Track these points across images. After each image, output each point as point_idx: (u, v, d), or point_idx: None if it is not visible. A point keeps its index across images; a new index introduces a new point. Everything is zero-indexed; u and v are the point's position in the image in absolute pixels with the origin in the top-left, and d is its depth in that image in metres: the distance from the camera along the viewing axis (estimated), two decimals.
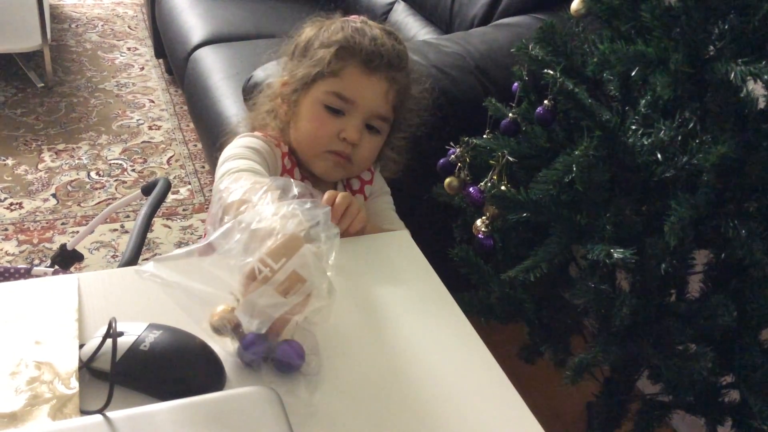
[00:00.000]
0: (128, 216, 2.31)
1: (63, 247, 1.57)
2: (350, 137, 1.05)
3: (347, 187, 1.18)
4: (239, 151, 1.04)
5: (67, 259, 1.56)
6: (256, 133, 1.11)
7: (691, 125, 1.07)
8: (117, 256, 2.14)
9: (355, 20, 1.14)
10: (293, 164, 1.11)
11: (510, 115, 1.28)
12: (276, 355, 0.73)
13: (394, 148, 1.20)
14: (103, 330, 0.71)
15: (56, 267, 1.53)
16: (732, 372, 1.13)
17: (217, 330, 0.73)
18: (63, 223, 2.26)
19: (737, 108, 1.02)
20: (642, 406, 1.29)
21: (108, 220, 2.29)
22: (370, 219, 1.11)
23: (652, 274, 1.07)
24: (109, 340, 0.69)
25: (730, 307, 1.04)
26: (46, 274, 1.29)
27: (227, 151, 1.06)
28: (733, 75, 0.96)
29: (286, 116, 1.11)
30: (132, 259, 1.19)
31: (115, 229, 2.25)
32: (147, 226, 1.26)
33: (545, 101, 1.20)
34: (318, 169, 1.10)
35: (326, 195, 0.96)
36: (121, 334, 0.71)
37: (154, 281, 0.72)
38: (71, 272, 1.49)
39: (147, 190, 1.39)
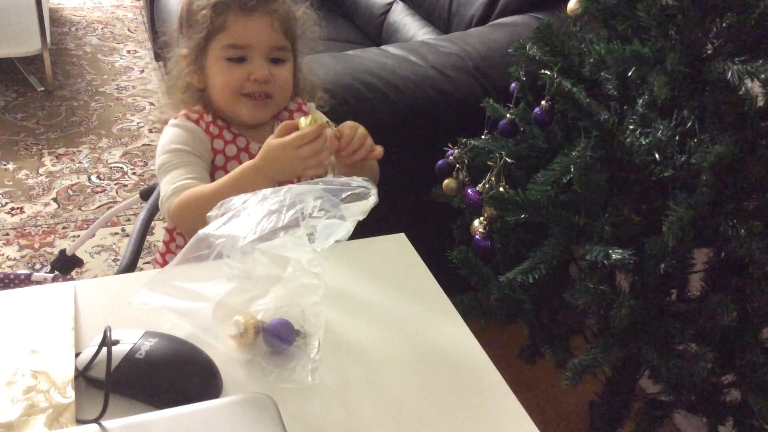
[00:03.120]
0: (129, 220, 2.31)
1: (63, 252, 1.58)
2: (259, 76, 1.11)
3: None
4: (170, 159, 1.10)
5: (66, 265, 1.57)
6: (179, 118, 1.16)
7: (689, 124, 1.07)
8: (118, 259, 2.14)
9: None
10: (222, 127, 1.16)
11: (508, 115, 1.28)
12: (267, 327, 0.75)
13: (306, 72, 1.24)
14: (99, 338, 0.71)
15: (56, 273, 1.53)
16: (733, 371, 1.13)
17: (239, 334, 0.75)
18: (64, 228, 2.26)
19: (735, 107, 1.02)
20: (644, 405, 1.28)
21: (108, 224, 2.29)
22: None
23: (652, 274, 1.06)
24: (104, 349, 0.69)
25: (731, 307, 1.04)
26: (45, 279, 1.29)
27: (159, 155, 1.12)
28: (730, 74, 0.96)
29: (200, 83, 1.16)
30: (131, 264, 1.19)
31: (116, 233, 2.25)
32: (146, 230, 1.26)
33: (543, 102, 1.20)
34: (245, 117, 1.15)
35: (344, 125, 1.04)
36: (116, 342, 0.70)
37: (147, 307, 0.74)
38: (71, 277, 1.49)
39: (146, 194, 1.39)
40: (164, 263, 1.27)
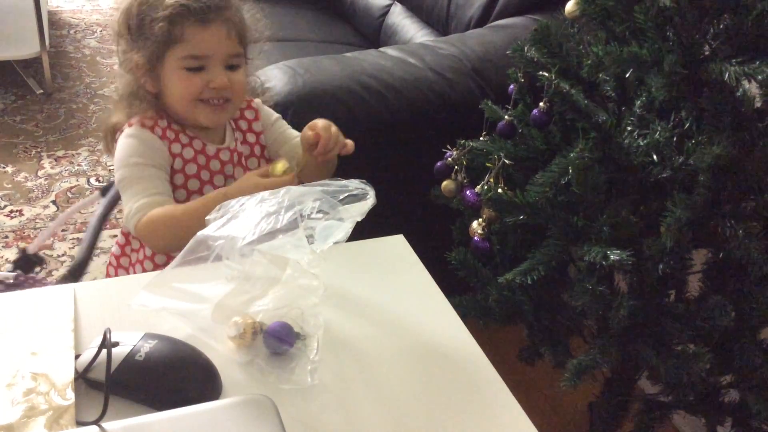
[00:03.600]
0: None
1: (24, 251, 1.57)
2: (218, 84, 1.13)
3: (236, 129, 1.23)
4: (129, 174, 1.12)
5: (28, 263, 1.56)
6: (134, 127, 1.16)
7: (687, 126, 1.07)
8: None
9: None
10: (177, 131, 1.17)
11: (506, 117, 1.28)
12: (266, 329, 0.76)
13: (253, 80, 1.27)
14: (99, 340, 0.71)
15: (18, 272, 1.52)
16: (731, 372, 1.13)
17: (239, 335, 0.76)
18: (63, 230, 2.26)
19: (732, 108, 1.02)
20: (643, 406, 1.29)
21: (107, 226, 2.29)
22: (273, 147, 1.25)
23: (650, 275, 1.07)
24: (104, 351, 0.69)
25: (729, 307, 1.04)
26: (7, 279, 1.30)
27: (118, 169, 1.13)
28: (727, 75, 0.96)
29: (155, 88, 1.16)
30: (84, 261, 1.20)
31: (115, 236, 2.25)
32: (101, 226, 1.26)
33: (541, 103, 1.20)
34: (203, 121, 1.17)
35: (317, 126, 1.09)
36: (116, 344, 0.71)
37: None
38: (33, 275, 1.49)
39: (104, 191, 1.40)
40: (118, 266, 1.27)
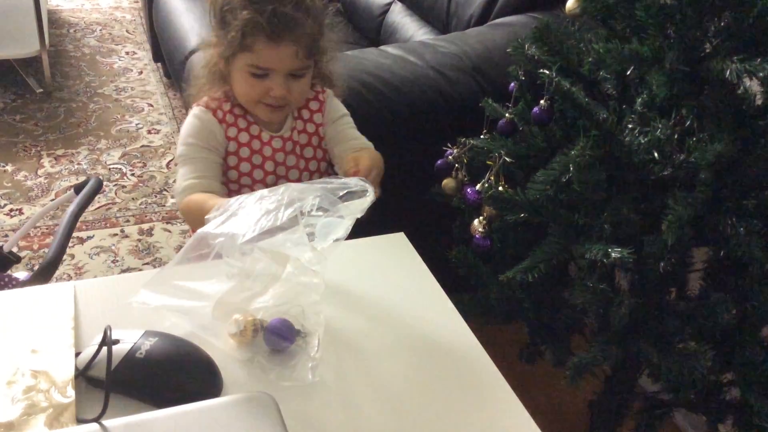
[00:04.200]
0: (128, 220, 2.31)
1: None
2: (278, 95, 1.18)
3: (298, 118, 1.26)
4: (186, 153, 1.20)
5: (3, 262, 1.55)
6: (199, 107, 1.24)
7: (688, 123, 1.07)
8: (117, 261, 2.14)
9: None
10: (238, 116, 1.24)
11: (507, 115, 1.28)
12: (267, 326, 0.76)
13: (328, 63, 1.29)
14: (99, 338, 0.71)
15: None
16: (732, 370, 1.13)
17: (239, 332, 0.76)
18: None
19: (734, 105, 1.02)
20: (644, 404, 1.28)
21: (107, 225, 2.29)
22: (330, 144, 1.27)
23: (651, 272, 1.06)
24: (104, 348, 0.69)
25: (730, 305, 1.04)
26: None
27: (180, 145, 1.22)
28: (728, 72, 0.96)
29: (227, 69, 1.22)
30: (56, 257, 1.19)
31: (115, 234, 2.25)
32: (74, 224, 1.26)
33: (542, 101, 1.20)
34: (261, 116, 1.23)
35: (360, 164, 1.10)
36: (116, 341, 0.70)
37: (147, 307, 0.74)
38: (9, 274, 1.49)
39: (78, 189, 1.40)
40: None
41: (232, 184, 1.24)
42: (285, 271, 0.79)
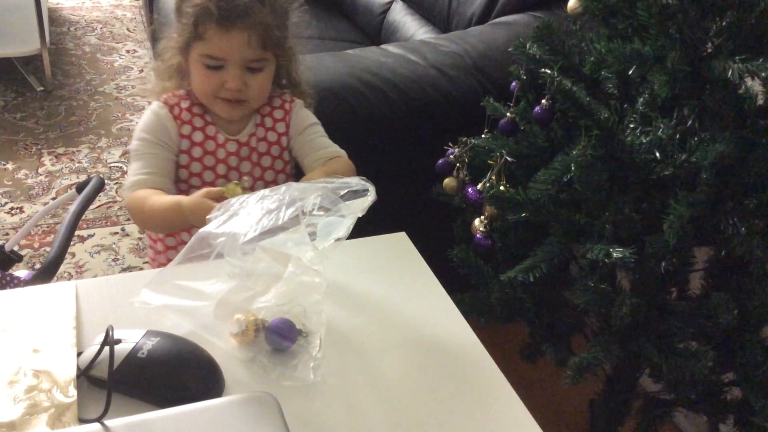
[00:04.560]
0: (129, 219, 2.31)
1: (1, 248, 1.56)
2: (232, 87, 1.15)
3: (260, 125, 1.23)
4: (138, 148, 1.18)
5: (5, 261, 1.55)
6: (158, 102, 1.22)
7: (690, 123, 1.07)
8: (117, 259, 2.14)
9: None
10: (195, 114, 1.21)
11: (508, 114, 1.28)
12: (269, 326, 0.75)
13: (294, 68, 1.26)
14: (101, 337, 0.71)
15: None
16: (733, 369, 1.13)
17: (241, 332, 0.76)
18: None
19: (735, 105, 1.02)
20: (644, 403, 1.28)
21: (108, 223, 2.29)
22: (302, 154, 1.22)
23: (652, 272, 1.06)
24: (106, 348, 0.69)
25: (731, 305, 1.04)
26: None
27: (133, 140, 1.20)
28: (730, 72, 0.96)
29: (186, 63, 1.20)
30: (58, 257, 1.19)
31: (116, 233, 2.25)
32: (75, 223, 1.26)
33: (543, 100, 1.20)
34: (219, 113, 1.20)
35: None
36: (118, 341, 0.70)
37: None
38: (10, 273, 1.49)
39: (80, 189, 1.40)
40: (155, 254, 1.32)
41: (182, 183, 1.22)
42: (286, 271, 0.79)
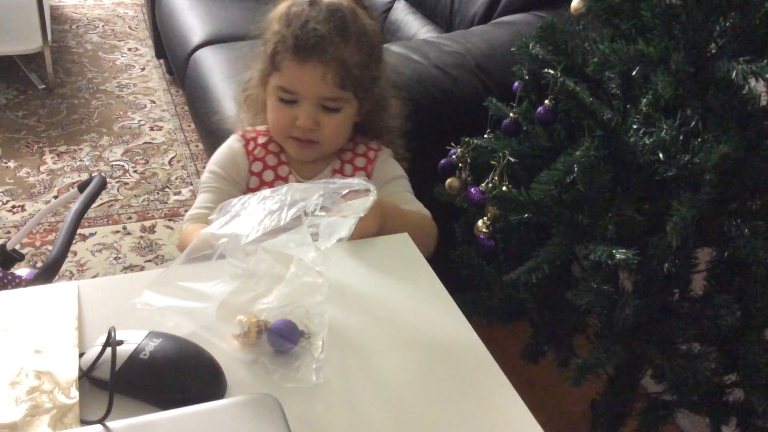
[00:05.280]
0: (130, 217, 2.31)
1: (3, 247, 1.56)
2: (302, 124, 1.10)
3: (339, 171, 1.17)
4: (207, 180, 1.16)
5: (7, 260, 1.55)
6: (236, 135, 1.19)
7: (693, 124, 1.06)
8: (119, 257, 2.14)
9: (299, 2, 1.12)
10: (270, 152, 1.16)
11: (511, 114, 1.28)
12: (271, 327, 0.75)
13: (376, 122, 1.19)
14: (103, 338, 0.71)
15: None
16: (736, 371, 1.13)
17: (243, 333, 0.75)
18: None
19: (739, 106, 1.01)
20: (646, 405, 1.28)
21: (109, 222, 2.29)
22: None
23: (655, 273, 1.06)
24: (108, 349, 0.69)
25: (734, 307, 1.04)
26: None
27: (206, 171, 1.18)
28: (734, 73, 0.96)
29: (264, 95, 1.16)
30: (59, 256, 1.19)
31: (117, 231, 2.25)
32: (77, 222, 1.26)
33: (546, 101, 1.19)
34: (291, 153, 1.15)
35: None
36: (120, 342, 0.70)
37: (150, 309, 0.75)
38: (12, 272, 1.48)
39: (82, 187, 1.39)
40: None
41: None
42: (289, 272, 0.79)
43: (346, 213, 0.82)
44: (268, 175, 1.16)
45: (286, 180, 1.16)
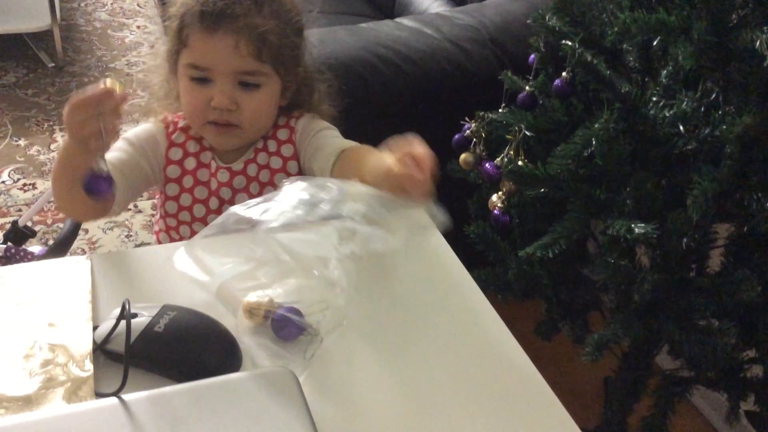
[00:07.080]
0: (142, 195, 2.30)
1: (15, 223, 1.56)
2: (218, 104, 0.97)
3: (262, 150, 1.06)
4: (116, 144, 1.03)
5: (19, 236, 1.56)
6: (156, 119, 1.08)
7: (714, 96, 1.04)
8: (131, 235, 2.14)
9: None
10: (191, 137, 1.05)
11: (527, 88, 1.26)
12: (275, 316, 0.72)
13: (303, 103, 1.09)
14: (117, 312, 0.70)
15: (9, 243, 1.51)
16: (755, 347, 1.11)
17: (251, 314, 0.73)
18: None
19: (762, 77, 0.99)
20: (661, 381, 1.27)
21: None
22: (313, 157, 1.03)
23: (674, 249, 1.04)
24: (123, 322, 0.68)
25: (754, 282, 1.02)
26: None
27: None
28: (758, 43, 0.93)
29: (176, 80, 1.05)
30: (71, 233, 1.18)
31: (129, 209, 2.24)
32: None
33: (563, 73, 1.17)
34: (211, 141, 1.04)
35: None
36: (135, 315, 0.70)
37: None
38: (24, 248, 1.49)
39: None
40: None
41: (170, 218, 1.06)
42: (303, 267, 0.76)
43: (390, 228, 0.78)
44: (190, 163, 1.05)
45: (208, 167, 1.05)
